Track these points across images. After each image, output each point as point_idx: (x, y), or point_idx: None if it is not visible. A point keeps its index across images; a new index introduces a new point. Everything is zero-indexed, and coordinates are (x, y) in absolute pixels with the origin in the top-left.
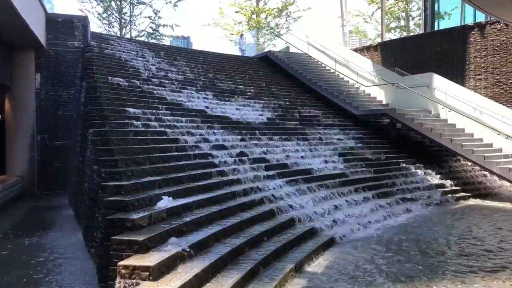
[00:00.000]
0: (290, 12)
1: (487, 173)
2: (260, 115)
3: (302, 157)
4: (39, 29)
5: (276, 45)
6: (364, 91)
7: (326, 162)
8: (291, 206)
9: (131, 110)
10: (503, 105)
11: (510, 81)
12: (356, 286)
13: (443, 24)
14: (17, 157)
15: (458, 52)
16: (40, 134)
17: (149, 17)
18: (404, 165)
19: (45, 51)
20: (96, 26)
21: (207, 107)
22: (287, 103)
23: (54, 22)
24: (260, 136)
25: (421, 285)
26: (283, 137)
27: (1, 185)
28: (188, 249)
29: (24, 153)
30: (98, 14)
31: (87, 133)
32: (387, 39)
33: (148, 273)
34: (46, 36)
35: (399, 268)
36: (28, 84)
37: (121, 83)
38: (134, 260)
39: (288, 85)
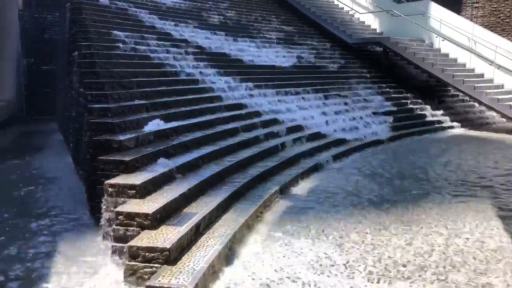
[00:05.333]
0: None
1: (476, 104)
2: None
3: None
4: None
5: None
6: (358, 18)
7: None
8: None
9: (117, 33)
10: (499, 34)
11: (508, 9)
12: None
13: None
14: (3, 82)
15: None
16: (26, 58)
17: None
18: (394, 95)
19: None
20: None
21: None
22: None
23: None
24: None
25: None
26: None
27: None
28: (175, 170)
29: (11, 78)
30: None
31: (72, 56)
32: None
33: (134, 191)
34: None
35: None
36: (10, 5)
37: (107, 4)
38: (121, 179)
39: (280, 11)
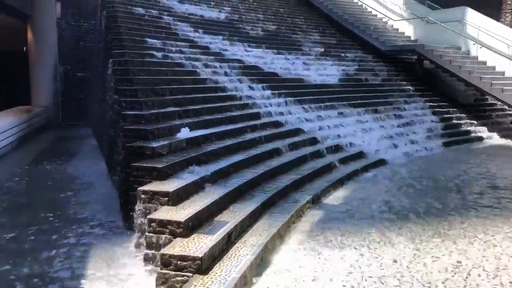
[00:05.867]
0: None
1: None
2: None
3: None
4: None
5: None
6: (392, 26)
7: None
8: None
9: (151, 40)
10: None
11: None
12: None
13: None
14: (41, 88)
15: None
16: (62, 65)
17: None
18: (428, 103)
19: None
20: None
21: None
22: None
23: None
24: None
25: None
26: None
27: (27, 115)
28: (206, 178)
29: (48, 84)
30: None
31: (107, 64)
32: None
33: (167, 198)
34: None
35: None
36: (48, 13)
37: (141, 13)
38: (154, 186)
39: (311, 18)
